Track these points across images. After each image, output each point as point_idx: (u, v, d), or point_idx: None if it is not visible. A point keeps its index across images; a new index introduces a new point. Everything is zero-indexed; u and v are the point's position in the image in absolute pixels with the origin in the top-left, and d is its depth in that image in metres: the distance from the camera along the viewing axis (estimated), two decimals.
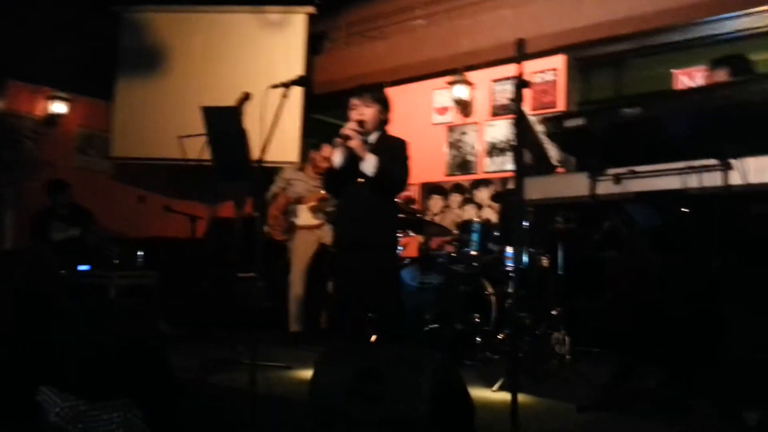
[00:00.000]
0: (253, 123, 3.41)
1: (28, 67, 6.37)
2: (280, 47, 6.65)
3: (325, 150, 5.09)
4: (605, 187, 2.64)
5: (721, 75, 3.02)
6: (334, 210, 5.04)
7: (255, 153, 3.41)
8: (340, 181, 3.38)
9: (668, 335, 2.82)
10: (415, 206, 5.38)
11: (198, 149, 3.97)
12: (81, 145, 6.92)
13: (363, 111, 3.32)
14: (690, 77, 4.89)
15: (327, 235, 5.07)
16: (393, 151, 3.36)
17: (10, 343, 2.98)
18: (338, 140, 3.25)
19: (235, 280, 4.46)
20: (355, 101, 3.35)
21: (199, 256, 4.42)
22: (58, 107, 6.54)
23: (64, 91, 6.57)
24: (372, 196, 3.29)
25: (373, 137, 3.38)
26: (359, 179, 3.28)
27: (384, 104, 3.41)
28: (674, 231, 2.83)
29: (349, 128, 3.26)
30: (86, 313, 3.23)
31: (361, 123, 3.28)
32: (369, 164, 3.20)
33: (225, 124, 3.74)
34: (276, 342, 4.61)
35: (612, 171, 2.61)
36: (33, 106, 6.53)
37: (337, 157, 3.29)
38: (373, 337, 3.53)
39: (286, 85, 3.11)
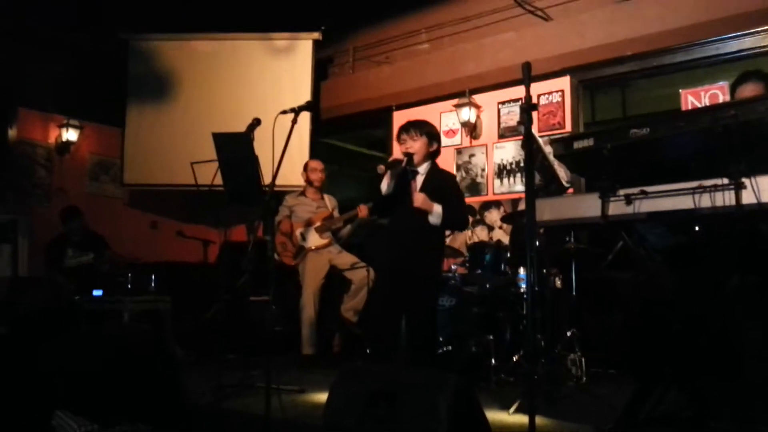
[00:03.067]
0: (262, 148, 3.46)
1: (40, 96, 6.48)
2: (288, 73, 6.74)
3: (310, 163, 5.22)
4: (616, 208, 2.64)
5: (753, 89, 3.01)
6: (341, 227, 5.11)
7: (266, 177, 3.45)
8: (391, 206, 3.51)
9: (684, 356, 2.80)
10: None
11: (210, 175, 4.01)
12: (93, 171, 7.00)
13: (411, 145, 3.47)
14: (697, 97, 4.92)
15: (336, 256, 5.10)
16: (447, 190, 3.51)
17: (25, 369, 3.00)
18: (382, 167, 3.38)
19: (247, 304, 4.47)
20: (403, 136, 3.51)
21: (211, 280, 4.43)
22: (70, 135, 6.63)
23: (76, 119, 6.65)
24: (420, 225, 3.41)
25: (423, 168, 3.52)
26: (411, 210, 3.40)
27: (431, 137, 3.54)
28: (687, 251, 2.82)
29: (396, 157, 3.45)
30: (101, 337, 3.25)
31: (410, 156, 3.43)
32: (435, 216, 3.38)
33: (236, 149, 3.78)
34: (289, 366, 4.61)
35: (622, 191, 2.61)
36: (45, 133, 6.63)
37: (385, 185, 3.44)
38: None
39: (295, 110, 3.16)
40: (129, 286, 4.95)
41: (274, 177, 3.10)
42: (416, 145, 3.46)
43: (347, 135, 7.94)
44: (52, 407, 2.72)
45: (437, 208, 3.38)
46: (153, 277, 5.10)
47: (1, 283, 5.49)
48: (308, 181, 5.30)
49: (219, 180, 3.90)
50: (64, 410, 2.70)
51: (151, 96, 6.79)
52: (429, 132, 3.53)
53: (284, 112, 3.18)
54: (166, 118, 6.74)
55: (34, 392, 2.89)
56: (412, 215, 3.40)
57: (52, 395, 2.84)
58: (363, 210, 4.73)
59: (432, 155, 3.57)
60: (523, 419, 3.05)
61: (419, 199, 3.36)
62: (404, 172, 3.47)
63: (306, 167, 5.33)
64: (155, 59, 6.85)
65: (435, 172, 3.56)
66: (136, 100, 6.81)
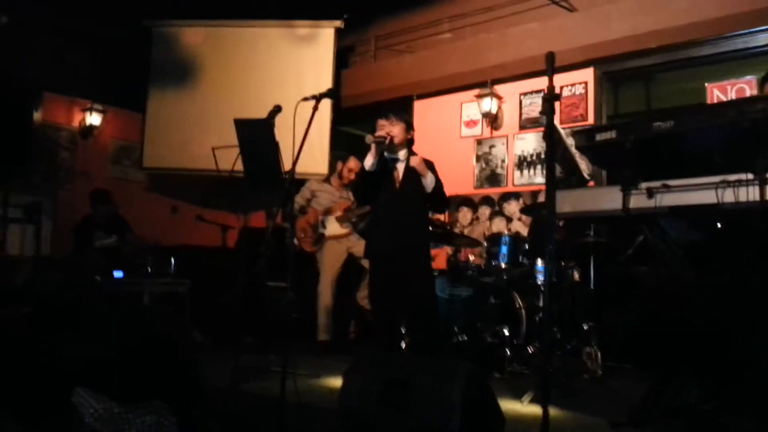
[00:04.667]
0: (283, 135, 3.47)
1: (65, 80, 6.55)
2: (309, 61, 6.74)
3: (351, 162, 5.20)
4: (638, 201, 2.62)
5: None
6: (361, 219, 5.12)
7: (286, 164, 3.46)
8: (373, 186, 3.51)
9: (703, 351, 2.78)
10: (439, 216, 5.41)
11: (230, 160, 4.03)
12: (115, 155, 7.09)
13: (390, 129, 3.52)
14: (723, 91, 4.85)
15: (355, 244, 5.11)
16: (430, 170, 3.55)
17: (47, 347, 3.05)
18: (371, 137, 3.40)
19: (265, 289, 4.51)
20: (381, 121, 3.57)
21: (230, 265, 4.47)
22: (94, 119, 6.71)
23: (100, 103, 6.73)
24: (410, 207, 3.47)
25: (402, 155, 3.57)
26: (399, 193, 3.47)
27: (408, 123, 3.62)
28: (709, 246, 2.79)
29: (380, 133, 3.46)
30: (122, 317, 3.30)
31: (391, 138, 3.47)
32: (429, 181, 3.47)
33: (257, 136, 3.80)
34: (305, 351, 4.64)
35: (644, 185, 2.59)
36: (69, 117, 6.72)
37: (369, 161, 3.44)
38: (403, 344, 3.57)
39: (317, 98, 3.15)
40: (149, 268, 5.01)
41: (294, 164, 3.11)
42: (395, 129, 3.53)
43: (367, 124, 7.92)
44: (72, 385, 2.77)
45: (430, 174, 3.48)
46: (173, 260, 5.15)
47: (24, 264, 5.60)
48: (340, 175, 5.30)
49: (240, 166, 3.92)
50: (85, 388, 2.75)
51: (173, 81, 6.84)
52: (406, 119, 3.64)
53: (305, 99, 3.17)
54: (187, 104, 6.79)
55: (55, 370, 2.94)
56: (399, 201, 3.48)
57: (72, 373, 2.89)
58: None
59: (409, 142, 3.65)
60: (536, 410, 3.05)
61: (415, 160, 3.46)
62: (385, 160, 3.53)
63: (346, 161, 5.30)
64: (177, 46, 6.90)
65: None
66: (157, 85, 6.87)
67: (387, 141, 3.44)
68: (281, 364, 2.70)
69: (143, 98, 6.86)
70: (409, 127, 3.64)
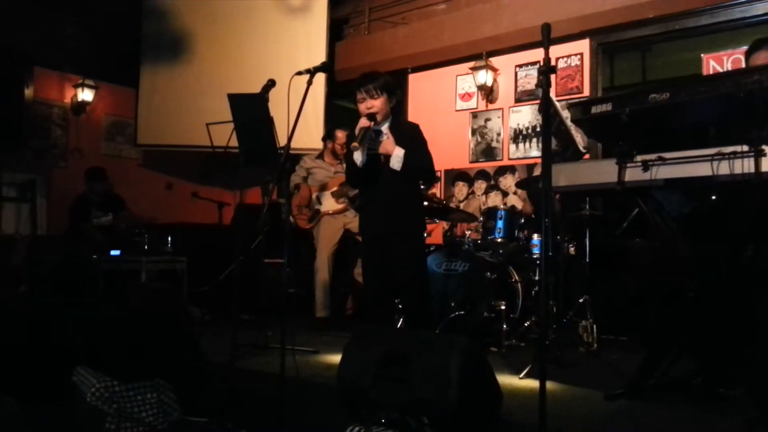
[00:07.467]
0: (277, 110, 3.43)
1: (56, 55, 6.47)
2: (302, 33, 6.68)
3: (340, 136, 5.16)
4: (633, 174, 2.62)
5: (767, 56, 2.92)
6: (358, 195, 5.09)
7: (281, 139, 3.43)
8: (366, 178, 3.37)
9: (698, 324, 2.80)
10: (434, 191, 5.37)
11: (225, 136, 4.00)
12: (109, 132, 7.03)
13: (371, 103, 3.28)
14: (719, 62, 4.82)
15: (351, 220, 5.11)
16: (411, 139, 3.32)
17: (46, 326, 3.07)
18: (356, 144, 3.18)
19: (261, 266, 4.52)
20: (361, 95, 3.31)
21: (226, 242, 4.47)
22: (86, 95, 6.64)
23: (92, 79, 6.66)
24: (399, 185, 3.29)
25: (385, 127, 3.35)
26: (388, 171, 3.26)
27: (390, 91, 3.35)
28: (704, 219, 2.80)
29: (362, 125, 3.22)
30: (120, 296, 3.31)
31: (372, 116, 3.25)
32: (396, 160, 3.21)
33: (251, 110, 3.76)
34: (303, 327, 4.67)
35: (640, 158, 2.58)
36: (61, 93, 6.64)
37: (359, 157, 3.26)
38: (400, 322, 3.56)
39: (311, 71, 3.10)
40: (146, 246, 5.02)
41: (290, 139, 3.08)
42: (377, 103, 3.27)
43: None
44: (72, 364, 2.79)
45: (398, 152, 3.20)
46: (169, 237, 5.16)
47: (21, 243, 5.60)
48: (333, 152, 5.25)
49: (234, 141, 3.89)
50: (85, 366, 2.77)
51: (166, 56, 6.77)
52: (386, 86, 3.33)
53: (299, 73, 3.12)
54: (180, 78, 6.72)
55: (54, 349, 2.96)
56: (387, 176, 3.26)
57: (72, 352, 2.91)
58: None
59: (393, 111, 3.39)
60: (533, 384, 3.09)
61: (383, 146, 3.23)
62: (372, 137, 3.28)
63: (334, 136, 5.25)
64: (169, 18, 6.80)
65: (397, 125, 3.39)
66: (150, 59, 6.79)
67: (371, 127, 3.22)
68: (280, 341, 2.72)
69: (136, 73, 6.79)
70: (392, 94, 3.34)
